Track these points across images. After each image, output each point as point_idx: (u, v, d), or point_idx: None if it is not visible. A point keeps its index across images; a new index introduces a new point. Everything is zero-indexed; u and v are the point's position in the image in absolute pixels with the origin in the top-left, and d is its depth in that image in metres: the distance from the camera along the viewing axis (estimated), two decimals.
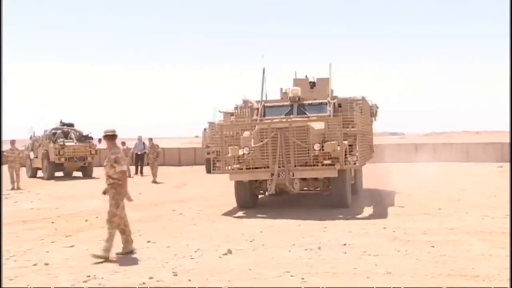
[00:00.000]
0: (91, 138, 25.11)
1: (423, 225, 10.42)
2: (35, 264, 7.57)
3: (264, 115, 13.97)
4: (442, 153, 30.11)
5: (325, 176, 12.31)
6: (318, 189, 13.32)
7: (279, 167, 11.99)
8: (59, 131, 24.75)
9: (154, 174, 22.09)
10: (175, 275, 6.82)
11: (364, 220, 11.21)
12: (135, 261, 7.66)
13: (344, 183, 12.46)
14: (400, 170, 22.72)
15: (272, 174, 12.09)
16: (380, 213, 11.99)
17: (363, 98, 14.69)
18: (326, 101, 13.84)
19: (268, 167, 12.18)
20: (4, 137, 23.65)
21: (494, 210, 11.85)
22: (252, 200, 13.32)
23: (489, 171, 22.59)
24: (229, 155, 12.58)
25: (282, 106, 14.13)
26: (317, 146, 11.83)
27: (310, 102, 13.97)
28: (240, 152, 12.46)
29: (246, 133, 12.80)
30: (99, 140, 25.16)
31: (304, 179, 12.60)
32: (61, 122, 25.79)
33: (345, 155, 12.12)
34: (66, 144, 23.85)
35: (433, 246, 8.43)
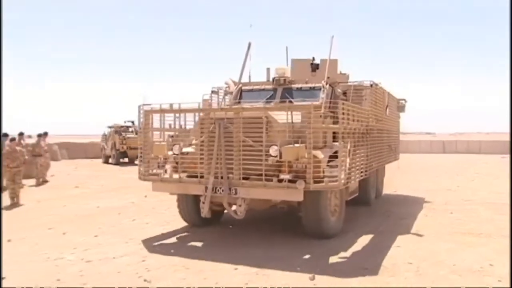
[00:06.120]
0: None
1: (445, 198, 11.95)
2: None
3: (240, 101, 8.96)
4: (462, 148, 35.84)
5: (283, 199, 7.17)
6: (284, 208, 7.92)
7: (216, 178, 7.04)
8: (123, 127, 27.64)
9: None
10: None
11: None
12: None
13: (318, 207, 7.14)
14: (430, 160, 27.03)
15: (207, 189, 7.08)
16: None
17: (375, 85, 9.47)
18: (320, 85, 8.60)
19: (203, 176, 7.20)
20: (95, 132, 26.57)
21: (498, 188, 13.66)
22: (199, 216, 7.65)
23: (494, 160, 26.99)
24: (152, 155, 7.80)
25: (263, 90, 9.08)
26: (273, 150, 6.64)
27: (299, 86, 8.84)
28: (168, 153, 7.68)
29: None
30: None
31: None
32: (124, 121, 28.54)
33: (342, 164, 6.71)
34: (128, 136, 26.63)
35: (451, 213, 9.87)
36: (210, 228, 8.29)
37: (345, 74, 9.79)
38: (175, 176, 7.52)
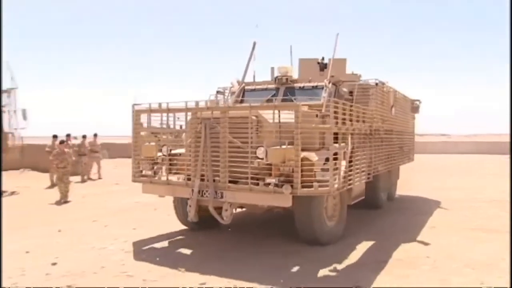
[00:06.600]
0: None
1: (457, 196, 11.70)
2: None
3: (242, 100, 8.29)
4: (474, 148, 35.40)
5: (270, 205, 6.19)
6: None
7: (202, 180, 6.28)
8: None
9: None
10: None
11: None
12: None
13: (310, 213, 6.27)
14: (444, 160, 26.64)
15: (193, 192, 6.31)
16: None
17: (381, 83, 8.45)
18: (322, 84, 7.77)
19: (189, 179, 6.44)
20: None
21: (503, 186, 13.18)
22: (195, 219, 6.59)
23: (500, 159, 26.80)
24: (142, 156, 7.08)
25: (266, 89, 8.25)
26: (260, 152, 5.80)
27: (301, 85, 8.01)
28: (157, 153, 6.95)
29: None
30: None
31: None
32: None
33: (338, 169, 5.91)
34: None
35: (463, 210, 9.67)
36: (212, 231, 7.52)
37: (356, 74, 8.68)
38: (163, 178, 6.79)
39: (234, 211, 6.80)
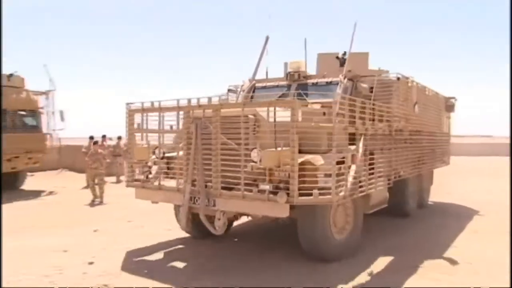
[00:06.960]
0: None
1: (490, 199, 11.34)
2: None
3: (252, 98, 7.76)
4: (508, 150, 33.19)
5: (265, 215, 5.42)
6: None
7: (193, 186, 5.73)
8: None
9: None
10: None
11: None
12: None
13: (314, 224, 5.54)
14: (483, 163, 25.53)
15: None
16: None
17: (404, 78, 7.57)
18: (338, 79, 6.97)
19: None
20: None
21: None
22: (198, 227, 6.47)
23: None
24: (135, 159, 6.55)
25: (277, 86, 7.63)
26: (255, 155, 5.11)
27: (315, 80, 7.35)
28: (150, 156, 6.46)
29: None
30: None
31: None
32: None
33: (342, 175, 5.22)
34: None
35: (498, 214, 9.36)
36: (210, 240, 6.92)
37: (383, 70, 7.83)
38: (156, 183, 6.25)
39: (238, 219, 6.68)
